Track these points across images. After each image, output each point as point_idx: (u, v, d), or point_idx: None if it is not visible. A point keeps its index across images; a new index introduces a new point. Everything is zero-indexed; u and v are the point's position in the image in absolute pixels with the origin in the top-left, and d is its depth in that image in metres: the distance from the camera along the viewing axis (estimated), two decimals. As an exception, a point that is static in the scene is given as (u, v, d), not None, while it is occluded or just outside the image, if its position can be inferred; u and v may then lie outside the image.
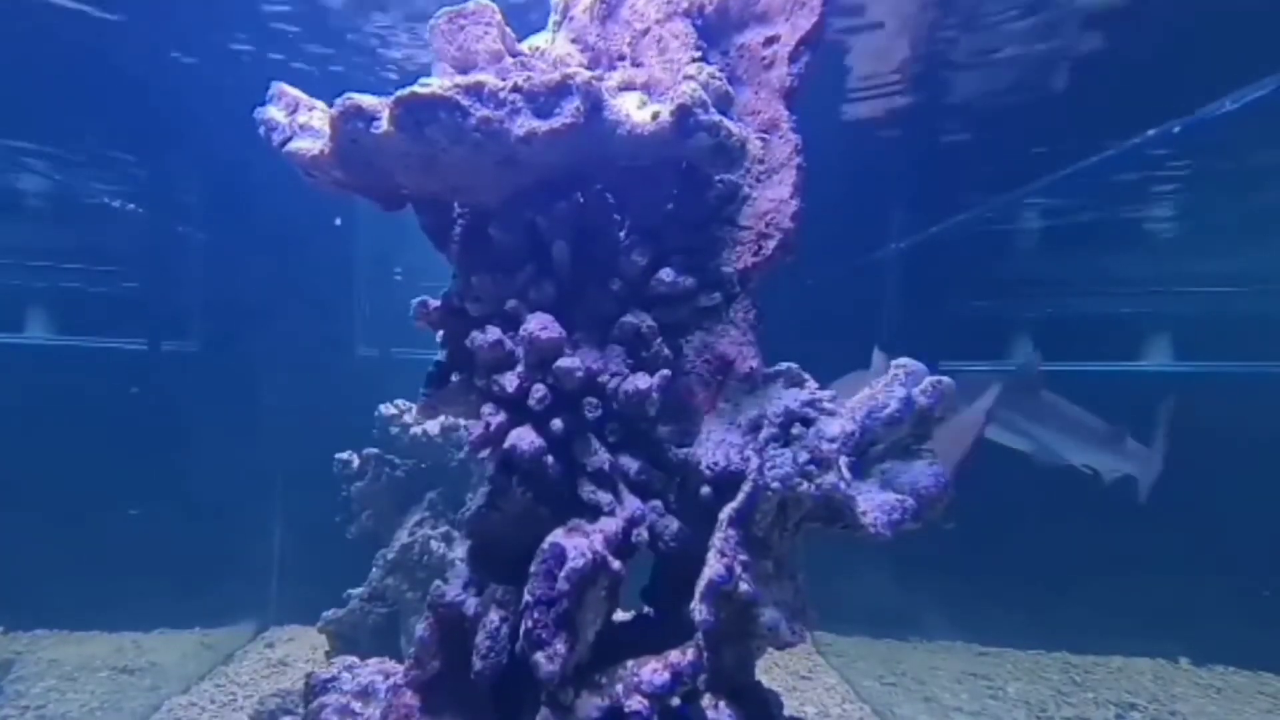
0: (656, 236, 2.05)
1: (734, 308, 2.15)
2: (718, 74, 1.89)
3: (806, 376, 2.12)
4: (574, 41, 2.22)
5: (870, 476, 1.96)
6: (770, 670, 5.88)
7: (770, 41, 2.22)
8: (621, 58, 2.18)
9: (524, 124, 1.69)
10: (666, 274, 1.99)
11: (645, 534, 1.97)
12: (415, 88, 1.66)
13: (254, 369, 6.70)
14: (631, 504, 1.97)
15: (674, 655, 1.83)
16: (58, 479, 6.16)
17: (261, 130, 1.95)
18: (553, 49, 2.19)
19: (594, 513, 1.94)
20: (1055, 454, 4.95)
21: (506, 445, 1.92)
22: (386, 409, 5.23)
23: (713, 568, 1.80)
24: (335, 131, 1.77)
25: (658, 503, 2.04)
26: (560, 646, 1.78)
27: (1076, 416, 5.06)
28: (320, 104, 1.99)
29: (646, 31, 2.15)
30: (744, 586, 1.82)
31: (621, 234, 2.08)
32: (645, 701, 1.77)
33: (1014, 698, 5.69)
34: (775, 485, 1.83)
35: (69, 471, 6.17)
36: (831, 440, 1.89)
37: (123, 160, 5.95)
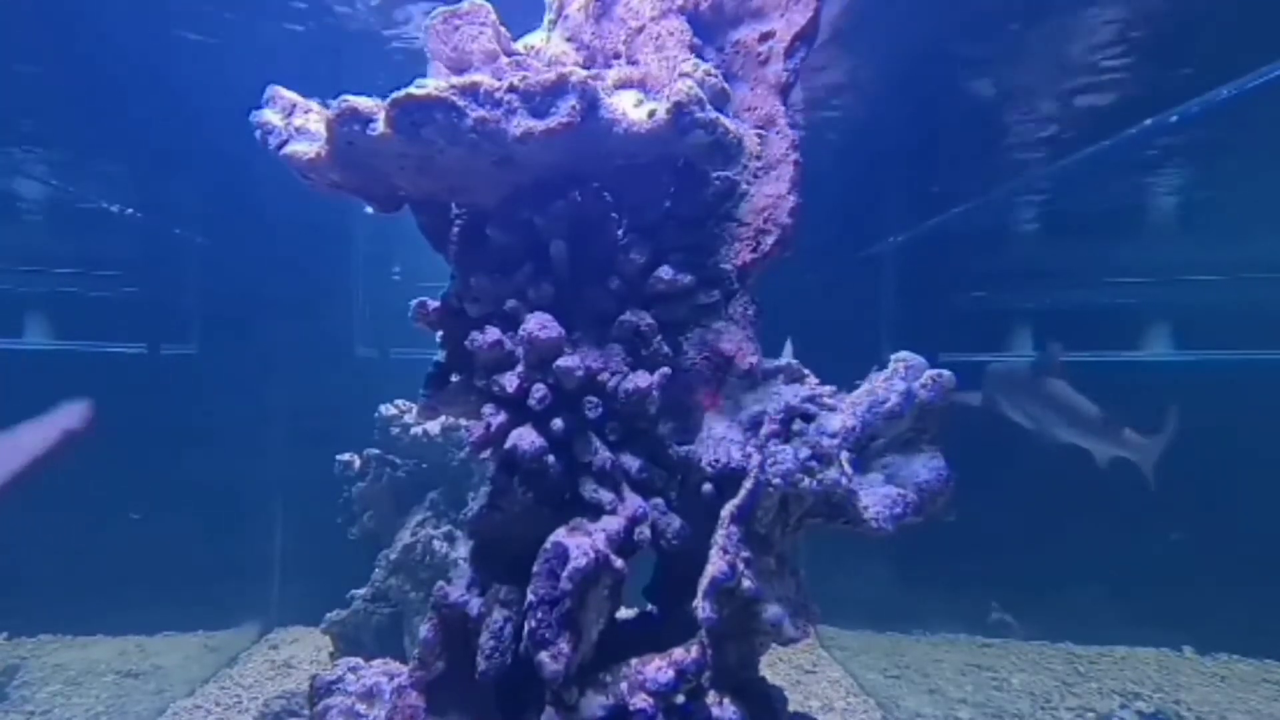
0: (654, 234, 2.04)
1: (733, 304, 2.14)
2: (713, 71, 1.89)
3: (807, 372, 2.12)
4: (569, 40, 2.21)
5: (872, 471, 1.97)
6: (774, 665, 5.90)
7: (766, 37, 2.22)
8: (617, 56, 2.17)
9: (520, 124, 1.69)
10: (665, 271, 1.99)
11: (647, 532, 1.96)
12: (411, 89, 1.66)
13: (254, 371, 6.70)
14: (633, 502, 1.97)
15: (678, 653, 1.83)
16: (60, 483, 6.15)
17: (258, 134, 1.94)
18: (548, 48, 2.18)
19: (596, 512, 1.94)
20: (1053, 435, 5.67)
21: (507, 445, 1.92)
22: (387, 409, 5.24)
23: (715, 565, 1.80)
24: (332, 134, 1.77)
25: (659, 501, 2.04)
26: (564, 646, 1.78)
27: (1077, 404, 5.67)
28: (316, 105, 1.98)
29: (642, 29, 2.14)
30: (746, 584, 1.82)
31: (619, 232, 2.07)
32: (650, 699, 1.78)
33: (1018, 689, 5.69)
34: (777, 481, 1.84)
35: (71, 476, 6.17)
36: (832, 436, 1.89)
37: (118, 162, 5.93)
